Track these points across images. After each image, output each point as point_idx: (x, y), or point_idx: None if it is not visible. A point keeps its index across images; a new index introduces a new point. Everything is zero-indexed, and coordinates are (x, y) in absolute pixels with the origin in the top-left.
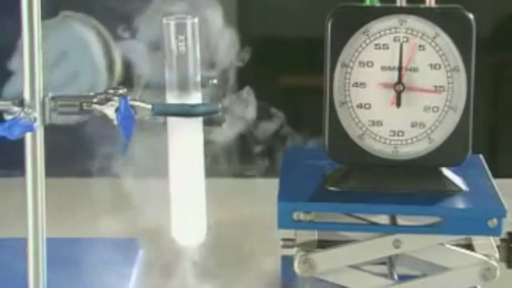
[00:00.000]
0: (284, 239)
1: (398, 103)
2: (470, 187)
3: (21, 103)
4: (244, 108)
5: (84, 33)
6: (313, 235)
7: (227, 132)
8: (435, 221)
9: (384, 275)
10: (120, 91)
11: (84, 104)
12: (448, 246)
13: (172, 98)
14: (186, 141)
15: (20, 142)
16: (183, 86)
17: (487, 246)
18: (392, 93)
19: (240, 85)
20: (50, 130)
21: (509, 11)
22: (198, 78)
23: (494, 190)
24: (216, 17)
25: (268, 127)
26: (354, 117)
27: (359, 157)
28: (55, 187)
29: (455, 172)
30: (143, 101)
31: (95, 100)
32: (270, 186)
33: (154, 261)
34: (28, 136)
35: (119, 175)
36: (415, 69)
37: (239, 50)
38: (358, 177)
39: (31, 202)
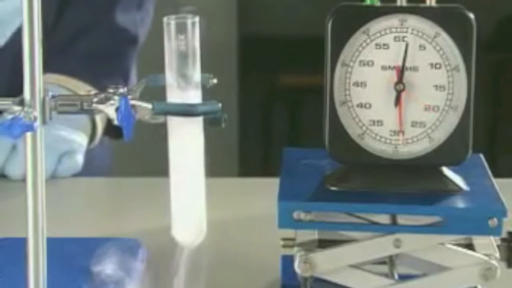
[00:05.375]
0: (284, 239)
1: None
2: (470, 187)
3: (21, 102)
4: None
5: None
6: (313, 235)
7: None
8: (435, 221)
9: (385, 275)
10: (121, 90)
11: (85, 104)
12: (448, 245)
13: (172, 98)
14: (186, 141)
15: None
16: (183, 86)
17: (487, 246)
18: (392, 93)
19: (241, 84)
20: None
21: (509, 11)
22: (198, 78)
23: (495, 190)
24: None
25: None
26: (354, 117)
27: (360, 157)
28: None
29: (455, 171)
30: (143, 101)
31: (95, 99)
32: (270, 186)
33: (154, 260)
34: (28, 136)
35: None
36: (415, 69)
37: (238, 49)
38: (359, 177)
39: (31, 202)
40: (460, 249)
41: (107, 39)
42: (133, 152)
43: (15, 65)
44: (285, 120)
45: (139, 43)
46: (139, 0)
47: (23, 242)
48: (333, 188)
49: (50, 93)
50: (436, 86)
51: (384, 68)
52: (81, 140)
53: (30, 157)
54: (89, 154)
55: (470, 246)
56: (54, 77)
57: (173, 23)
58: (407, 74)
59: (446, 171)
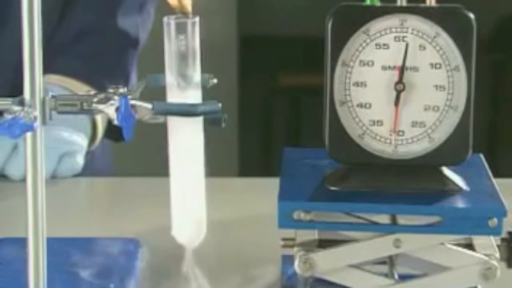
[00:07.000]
0: (284, 239)
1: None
2: (470, 187)
3: (21, 102)
4: None
5: None
6: (313, 235)
7: None
8: (435, 221)
9: (385, 275)
10: (121, 90)
11: (85, 104)
12: (448, 245)
13: (172, 98)
14: (186, 141)
15: None
16: (183, 86)
17: (487, 246)
18: (392, 93)
19: (241, 84)
20: None
21: (509, 11)
22: (198, 78)
23: (494, 190)
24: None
25: None
26: (354, 117)
27: (360, 157)
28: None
29: (455, 171)
30: (143, 101)
31: (95, 99)
32: (270, 186)
33: (154, 260)
34: (28, 136)
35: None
36: (415, 69)
37: (238, 49)
38: (359, 177)
39: (31, 202)
40: (460, 249)
41: (108, 41)
42: (133, 152)
43: (18, 66)
44: (285, 120)
45: (140, 46)
46: (140, 3)
47: (23, 242)
48: (333, 188)
49: (50, 93)
50: (436, 86)
51: (384, 68)
52: (82, 141)
53: (30, 157)
54: (89, 155)
55: (470, 246)
56: (55, 78)
57: (173, 23)
58: (407, 74)
59: (446, 171)
